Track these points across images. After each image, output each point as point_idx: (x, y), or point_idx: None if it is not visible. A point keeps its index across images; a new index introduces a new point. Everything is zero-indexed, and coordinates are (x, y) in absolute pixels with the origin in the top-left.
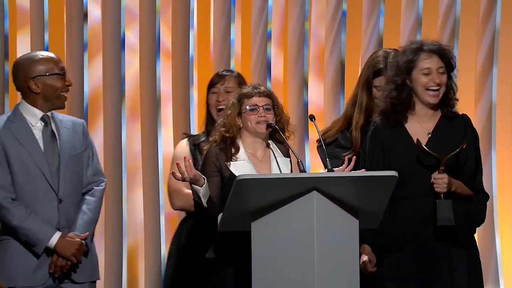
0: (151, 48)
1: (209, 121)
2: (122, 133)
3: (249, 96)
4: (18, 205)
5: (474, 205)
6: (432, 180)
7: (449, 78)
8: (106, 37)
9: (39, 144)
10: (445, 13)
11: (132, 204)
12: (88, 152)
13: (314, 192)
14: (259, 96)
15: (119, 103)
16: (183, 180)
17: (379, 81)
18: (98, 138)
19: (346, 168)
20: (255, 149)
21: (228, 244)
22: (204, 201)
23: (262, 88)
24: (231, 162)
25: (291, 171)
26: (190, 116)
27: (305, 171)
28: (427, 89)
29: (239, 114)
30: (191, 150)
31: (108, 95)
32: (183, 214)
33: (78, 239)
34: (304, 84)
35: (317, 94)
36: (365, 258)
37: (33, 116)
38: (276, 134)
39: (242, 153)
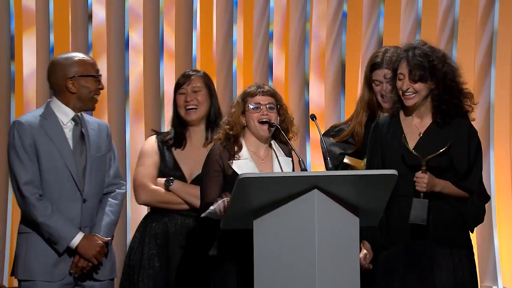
0: (154, 49)
1: (177, 121)
2: (126, 132)
3: (252, 94)
4: (44, 202)
5: (469, 207)
6: (414, 179)
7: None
8: (110, 38)
9: (69, 143)
10: (444, 14)
11: (136, 203)
12: (111, 154)
13: (315, 190)
14: (262, 95)
15: (123, 103)
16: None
17: (376, 76)
18: None
19: None
20: (257, 148)
21: (230, 242)
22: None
23: (266, 88)
24: (233, 161)
25: (293, 171)
26: None
27: (306, 170)
28: (402, 93)
29: (243, 112)
30: (159, 147)
31: (113, 95)
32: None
33: (100, 241)
34: (305, 84)
35: (318, 94)
36: (361, 254)
37: (65, 114)
38: (279, 134)
39: (244, 151)
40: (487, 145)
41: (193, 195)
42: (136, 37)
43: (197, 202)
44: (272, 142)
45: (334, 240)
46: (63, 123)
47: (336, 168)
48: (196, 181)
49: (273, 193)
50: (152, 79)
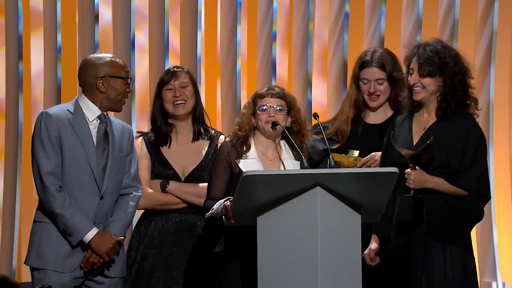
0: (160, 48)
1: (162, 118)
2: (132, 130)
3: (262, 96)
4: (64, 193)
5: (464, 205)
6: (405, 175)
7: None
8: (116, 38)
9: (93, 139)
10: (444, 14)
11: None
12: (131, 157)
13: (318, 187)
14: (271, 97)
15: (129, 101)
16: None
17: (364, 74)
18: None
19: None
20: (266, 148)
21: (236, 239)
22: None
23: (277, 90)
24: (241, 160)
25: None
26: None
27: (309, 168)
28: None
29: (253, 113)
30: (147, 147)
31: None
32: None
33: (114, 239)
34: (308, 83)
35: (320, 93)
36: (370, 246)
37: (91, 112)
38: (291, 134)
39: (253, 151)
40: (487, 142)
41: (190, 193)
42: (142, 37)
43: (195, 200)
44: (282, 143)
45: (336, 237)
46: (89, 120)
47: (317, 164)
48: (190, 178)
49: (276, 190)
50: (157, 79)
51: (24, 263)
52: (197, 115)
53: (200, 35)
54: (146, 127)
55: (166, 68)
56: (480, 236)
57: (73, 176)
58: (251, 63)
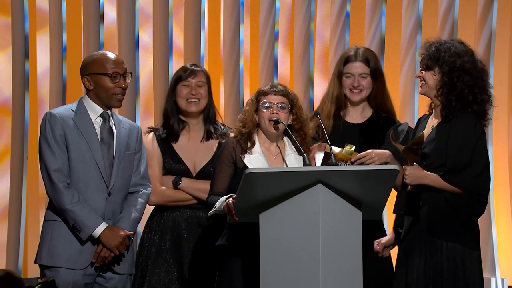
0: (164, 48)
1: (172, 113)
2: None
3: (265, 94)
4: (72, 190)
5: (459, 202)
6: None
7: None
8: (121, 37)
9: (97, 137)
10: (444, 15)
11: None
12: (140, 156)
13: (319, 185)
14: (274, 95)
15: (134, 100)
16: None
17: (348, 68)
18: None
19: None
20: (269, 144)
21: (237, 234)
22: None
23: (280, 87)
24: (245, 155)
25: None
26: None
27: (310, 165)
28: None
29: (256, 110)
30: (158, 143)
31: None
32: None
33: (123, 233)
34: (309, 82)
35: (322, 92)
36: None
37: (94, 111)
38: (292, 132)
39: (257, 147)
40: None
41: (202, 190)
42: (146, 36)
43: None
44: (285, 139)
45: (337, 233)
46: (92, 119)
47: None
48: (202, 174)
49: (278, 187)
50: (161, 77)
51: (35, 262)
52: (210, 116)
53: (204, 35)
54: (150, 125)
55: (169, 67)
56: (480, 233)
57: (80, 173)
58: (254, 62)
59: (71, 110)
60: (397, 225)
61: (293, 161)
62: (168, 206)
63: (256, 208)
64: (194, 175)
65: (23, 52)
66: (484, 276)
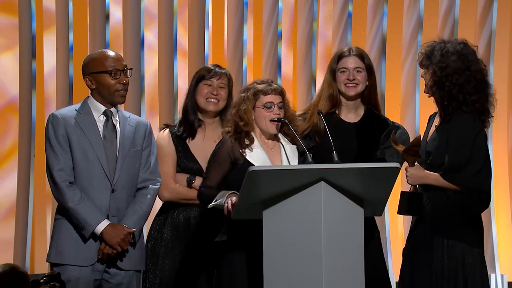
0: (168, 47)
1: (192, 110)
2: None
3: (265, 93)
4: (74, 188)
5: (460, 200)
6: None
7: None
8: (126, 37)
9: (100, 135)
10: (444, 14)
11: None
12: (149, 151)
13: (322, 182)
14: (274, 94)
15: (139, 99)
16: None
17: (342, 64)
18: None
19: None
20: (266, 138)
21: (237, 230)
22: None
23: (275, 86)
24: (246, 150)
25: (299, 157)
26: None
27: (313, 163)
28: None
29: (253, 107)
30: (173, 140)
31: (129, 92)
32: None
33: (125, 230)
34: (312, 81)
35: None
36: None
37: (97, 109)
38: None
39: (256, 142)
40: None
41: None
42: (151, 36)
43: None
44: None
45: (339, 230)
46: (96, 117)
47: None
48: None
49: (281, 185)
50: (166, 77)
51: (46, 260)
52: (228, 117)
53: (208, 35)
54: (155, 124)
55: (174, 67)
56: None
57: (83, 171)
58: (257, 61)
59: (75, 110)
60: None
61: (290, 152)
62: (179, 204)
63: (259, 205)
64: None
65: (30, 52)
66: (474, 277)
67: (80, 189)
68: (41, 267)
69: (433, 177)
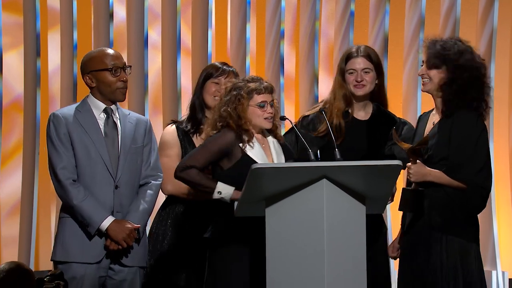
0: (172, 46)
1: (200, 108)
2: None
3: (259, 92)
4: (78, 186)
5: (463, 196)
6: (407, 169)
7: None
8: (130, 36)
9: (101, 132)
10: (446, 13)
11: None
12: (149, 147)
13: (324, 180)
14: (268, 93)
15: (143, 97)
16: None
17: (350, 65)
18: None
19: None
20: (257, 134)
21: (227, 226)
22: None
23: (266, 84)
24: (247, 146)
25: (282, 149)
26: None
27: (314, 160)
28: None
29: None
30: (178, 136)
31: (132, 90)
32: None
33: (130, 225)
34: (315, 80)
35: (327, 89)
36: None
37: (97, 108)
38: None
39: (254, 139)
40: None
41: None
42: (154, 35)
43: None
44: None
45: (341, 227)
46: (96, 115)
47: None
48: None
49: (284, 182)
50: (169, 75)
51: (51, 259)
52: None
53: (211, 33)
54: (159, 122)
55: (178, 65)
56: (481, 227)
57: (86, 168)
58: (260, 60)
59: (76, 109)
60: (402, 224)
61: (275, 145)
62: (181, 199)
63: (262, 203)
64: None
65: (34, 50)
66: (485, 269)
67: (84, 186)
68: (46, 264)
69: (436, 174)
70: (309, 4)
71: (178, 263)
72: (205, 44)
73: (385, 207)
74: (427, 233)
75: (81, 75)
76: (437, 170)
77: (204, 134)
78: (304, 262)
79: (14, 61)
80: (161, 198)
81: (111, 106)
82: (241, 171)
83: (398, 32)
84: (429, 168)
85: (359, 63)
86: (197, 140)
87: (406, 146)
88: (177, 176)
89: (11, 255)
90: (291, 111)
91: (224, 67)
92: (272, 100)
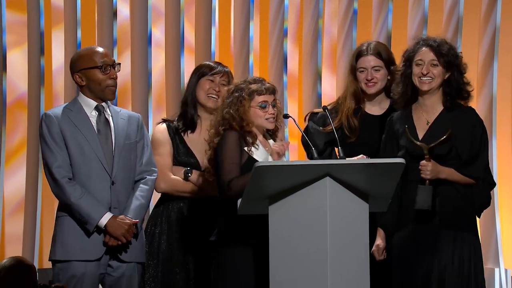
0: (175, 44)
1: (192, 104)
2: (148, 123)
3: (260, 93)
4: (74, 184)
5: (474, 193)
6: (420, 167)
7: (452, 72)
8: (134, 34)
9: (94, 130)
10: (449, 11)
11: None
12: (143, 143)
13: (327, 178)
14: (268, 94)
15: (146, 95)
16: None
17: (361, 63)
18: None
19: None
20: (259, 136)
21: (234, 227)
22: None
23: (268, 84)
24: (252, 149)
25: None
26: None
27: (318, 159)
28: (419, 78)
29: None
30: (170, 134)
31: (136, 88)
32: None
33: (128, 221)
34: (318, 77)
35: (330, 87)
36: (376, 243)
37: (88, 106)
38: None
39: (257, 140)
40: (490, 133)
41: (212, 185)
42: (158, 33)
43: (215, 192)
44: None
45: (345, 225)
46: (88, 113)
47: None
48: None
49: (287, 180)
50: (173, 73)
51: (49, 259)
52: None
53: (214, 31)
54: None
55: (181, 63)
56: (483, 224)
57: (81, 166)
58: (263, 58)
59: (66, 108)
60: (384, 225)
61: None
62: (175, 196)
63: (265, 201)
64: (202, 169)
65: (38, 48)
66: (488, 267)
67: (80, 184)
68: (49, 262)
69: (448, 171)
70: (312, 2)
71: (175, 262)
72: (209, 42)
73: (388, 204)
74: (436, 230)
75: (71, 74)
76: (448, 168)
77: (208, 136)
78: (307, 260)
79: (18, 59)
80: (155, 196)
81: (102, 104)
82: (245, 171)
83: (401, 30)
84: (441, 166)
85: (369, 61)
86: (188, 138)
87: (422, 144)
88: (228, 195)
89: (15, 252)
90: (294, 109)
91: (219, 67)
92: (274, 100)
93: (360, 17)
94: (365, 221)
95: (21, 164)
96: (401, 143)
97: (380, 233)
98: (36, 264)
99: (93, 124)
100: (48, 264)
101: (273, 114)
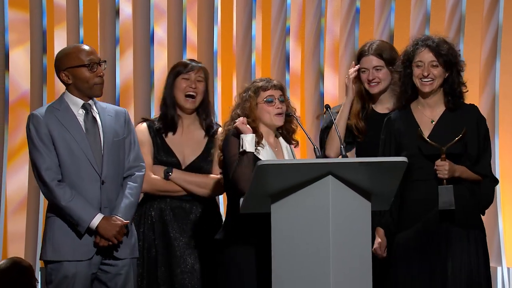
0: (178, 43)
1: (172, 105)
2: None
3: (265, 88)
4: (64, 186)
5: (482, 189)
6: (435, 167)
7: (451, 72)
8: (136, 32)
9: (82, 129)
10: (451, 10)
11: None
12: (130, 139)
13: (330, 176)
14: (274, 89)
15: (149, 93)
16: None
17: (363, 63)
18: None
19: None
20: (268, 136)
21: (238, 227)
22: (250, 148)
23: (275, 82)
24: (257, 147)
25: (293, 156)
26: (214, 106)
27: (321, 157)
28: (420, 80)
29: (255, 105)
30: (150, 134)
31: (138, 86)
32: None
33: (119, 222)
34: (320, 76)
35: (332, 85)
36: (375, 243)
37: (75, 104)
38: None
39: (264, 141)
40: (493, 131)
41: (192, 183)
42: (160, 31)
43: (196, 190)
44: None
45: (347, 224)
46: (75, 112)
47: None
48: (191, 167)
49: (289, 179)
50: None
51: (40, 258)
52: (205, 110)
53: (217, 30)
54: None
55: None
56: (486, 222)
57: (70, 166)
58: (266, 56)
59: (53, 107)
60: (386, 224)
61: (289, 150)
62: (156, 196)
63: (267, 199)
64: (183, 168)
65: (41, 47)
66: (490, 265)
67: (70, 184)
68: None
69: (461, 170)
70: (314, 1)
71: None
72: (211, 41)
73: (390, 203)
74: (447, 230)
75: (56, 72)
76: (461, 166)
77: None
78: (310, 259)
79: (21, 57)
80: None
81: (88, 102)
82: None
83: (404, 29)
84: (455, 165)
85: (370, 61)
86: (169, 138)
87: (441, 147)
88: (239, 189)
89: (17, 251)
90: (297, 108)
91: (193, 63)
92: (281, 96)
93: (362, 16)
94: (368, 220)
95: (23, 162)
96: (404, 142)
97: (380, 231)
98: (38, 263)
99: (80, 123)
100: None
101: (281, 108)
